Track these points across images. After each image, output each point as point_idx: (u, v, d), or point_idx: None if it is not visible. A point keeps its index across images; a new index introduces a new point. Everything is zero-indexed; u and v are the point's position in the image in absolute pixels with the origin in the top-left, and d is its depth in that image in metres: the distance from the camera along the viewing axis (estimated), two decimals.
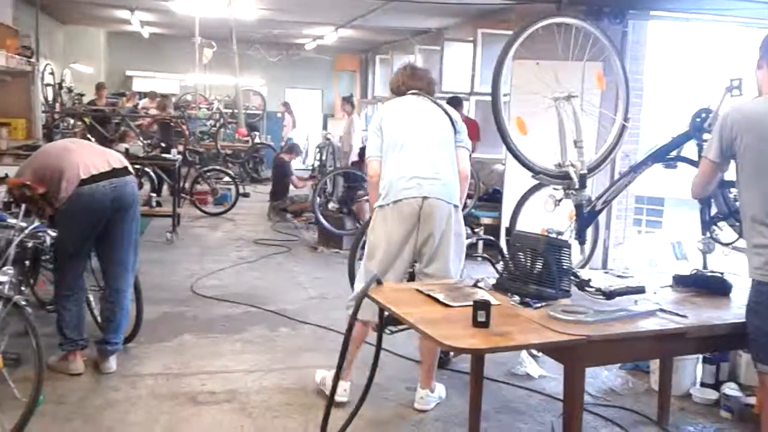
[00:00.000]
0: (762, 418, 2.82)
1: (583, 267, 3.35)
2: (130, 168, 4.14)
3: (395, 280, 3.60)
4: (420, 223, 3.58)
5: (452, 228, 3.64)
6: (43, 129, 9.85)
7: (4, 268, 3.26)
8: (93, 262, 4.25)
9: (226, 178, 10.61)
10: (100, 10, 13.00)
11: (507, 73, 2.93)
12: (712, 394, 4.05)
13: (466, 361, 4.25)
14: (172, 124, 11.48)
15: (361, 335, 3.70)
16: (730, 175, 2.85)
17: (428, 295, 2.89)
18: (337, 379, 3.14)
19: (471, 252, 4.53)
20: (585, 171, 3.00)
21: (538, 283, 2.87)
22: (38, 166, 3.91)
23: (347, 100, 11.86)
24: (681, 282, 3.25)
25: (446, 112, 3.80)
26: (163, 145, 9.93)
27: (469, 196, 8.64)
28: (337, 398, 3.53)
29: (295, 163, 10.79)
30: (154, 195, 8.54)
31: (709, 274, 3.18)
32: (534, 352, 4.34)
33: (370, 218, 3.83)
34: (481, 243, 5.76)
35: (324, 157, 12.45)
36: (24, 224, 3.42)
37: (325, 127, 17.34)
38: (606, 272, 3.47)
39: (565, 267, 2.92)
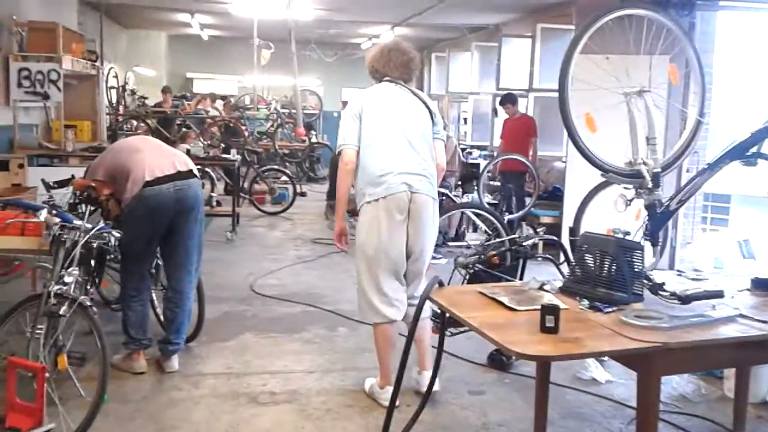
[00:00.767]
0: None
1: (652, 269, 3.20)
2: (195, 171, 4.17)
3: (399, 277, 3.68)
4: (409, 218, 3.63)
5: (434, 222, 3.75)
6: (108, 131, 10.14)
7: (70, 269, 3.32)
8: (158, 262, 4.31)
9: (284, 178, 10.69)
10: (161, 13, 13.30)
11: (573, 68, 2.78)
12: None
13: (528, 364, 4.14)
14: (231, 125, 11.65)
15: (393, 336, 3.72)
16: None
17: (492, 298, 2.80)
18: (398, 384, 3.07)
19: (532, 252, 4.39)
20: (658, 169, 2.86)
21: (608, 287, 2.74)
22: (110, 165, 3.99)
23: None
24: (760, 285, 3.07)
25: (424, 103, 3.79)
26: (222, 145, 10.08)
27: (528, 195, 8.52)
28: (384, 402, 3.60)
29: None
30: (214, 195, 8.66)
31: None
32: None
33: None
34: (541, 242, 5.62)
35: None
36: (89, 226, 3.47)
37: None
38: (679, 274, 3.31)
39: (636, 270, 2.79)
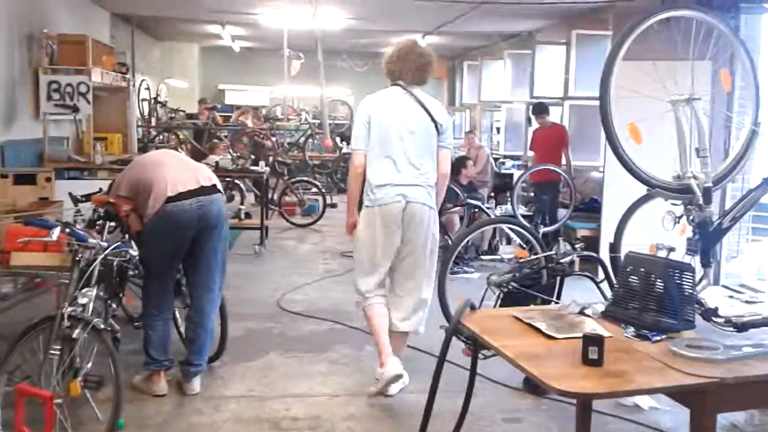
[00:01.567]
0: None
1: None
2: (219, 186, 4.03)
3: (378, 280, 3.97)
4: (403, 225, 3.85)
5: (430, 229, 3.93)
6: (138, 143, 10.13)
7: (84, 290, 3.19)
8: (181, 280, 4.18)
9: (314, 189, 10.57)
10: (192, 25, 13.34)
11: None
12: None
13: None
14: (261, 137, 11.57)
15: (383, 314, 3.98)
16: None
17: (528, 324, 2.59)
18: (430, 406, 2.88)
19: (570, 269, 4.16)
20: (709, 183, 2.63)
21: (656, 312, 2.52)
22: (132, 179, 3.88)
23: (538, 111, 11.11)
24: None
25: (428, 113, 3.84)
26: (252, 157, 9.99)
27: (564, 206, 8.24)
28: (383, 381, 3.89)
29: None
30: (242, 207, 8.56)
31: None
32: None
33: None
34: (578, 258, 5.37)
35: None
36: (105, 244, 3.34)
37: None
38: (731, 297, 3.06)
39: (687, 294, 2.56)
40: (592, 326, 2.55)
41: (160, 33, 14.81)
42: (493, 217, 7.50)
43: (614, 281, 4.28)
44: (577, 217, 7.92)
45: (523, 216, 7.77)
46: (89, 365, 3.25)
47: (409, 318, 4.02)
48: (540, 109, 8.59)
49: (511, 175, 10.53)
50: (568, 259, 4.05)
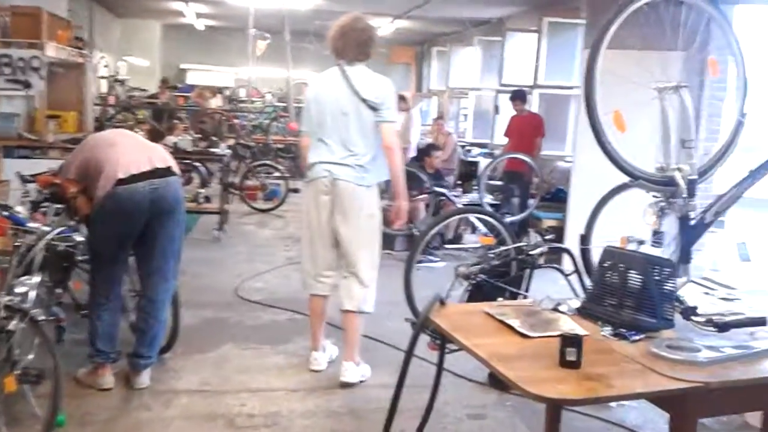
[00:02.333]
0: None
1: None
2: (175, 168, 3.78)
3: (319, 261, 3.97)
4: (335, 205, 3.86)
5: (364, 210, 3.87)
6: (95, 122, 9.74)
7: (23, 278, 2.95)
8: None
9: (276, 174, 10.31)
10: (155, 2, 12.91)
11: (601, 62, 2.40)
12: None
13: None
14: (224, 118, 11.26)
15: (320, 308, 4.04)
16: None
17: (501, 321, 2.44)
18: (395, 403, 2.72)
19: (539, 262, 4.03)
20: (695, 176, 2.50)
21: (635, 310, 2.38)
22: (83, 160, 3.62)
23: (400, 98, 11.05)
24: None
25: (357, 93, 3.80)
26: (213, 138, 9.68)
27: (531, 196, 8.15)
28: (312, 366, 4.02)
29: None
30: (202, 191, 8.27)
31: None
32: None
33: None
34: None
35: None
36: (47, 228, 3.10)
37: None
38: (707, 293, 2.94)
39: (667, 291, 2.43)
40: (567, 324, 2.42)
41: (120, 8, 14.31)
42: (460, 206, 7.36)
43: (584, 273, 4.19)
44: (543, 207, 7.84)
45: (490, 205, 7.65)
46: (30, 357, 3.01)
47: (351, 297, 3.98)
48: (517, 94, 8.44)
49: (477, 163, 10.42)
50: (538, 250, 3.92)
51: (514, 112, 8.54)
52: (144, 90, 14.02)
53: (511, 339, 2.30)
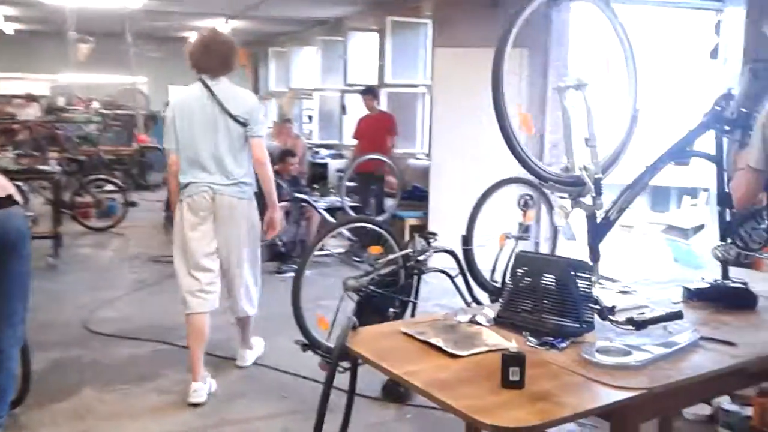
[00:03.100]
0: None
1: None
2: (16, 195, 3.19)
3: (198, 278, 3.86)
4: (216, 220, 3.85)
5: (244, 220, 3.91)
6: None
7: None
8: None
9: (110, 187, 9.49)
10: None
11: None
12: (705, 410, 3.67)
13: None
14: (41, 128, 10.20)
15: (200, 327, 3.87)
16: None
17: (422, 341, 2.25)
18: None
19: (427, 267, 3.90)
20: (600, 174, 2.46)
21: (557, 316, 2.30)
22: None
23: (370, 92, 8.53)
24: (697, 296, 2.79)
25: (224, 109, 3.78)
26: (35, 154, 8.71)
27: (391, 196, 8.08)
28: (192, 399, 3.72)
29: None
30: (30, 214, 7.38)
31: (733, 284, 2.74)
32: None
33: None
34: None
35: None
36: None
37: None
38: (602, 287, 2.94)
39: (585, 293, 2.37)
40: (492, 338, 2.28)
41: None
42: (321, 210, 7.15)
43: (468, 275, 4.13)
44: (403, 206, 7.80)
45: (351, 207, 7.50)
46: None
47: (237, 303, 4.10)
48: (371, 91, 8.27)
49: (326, 165, 10.25)
50: (425, 256, 3.79)
51: (363, 113, 8.39)
52: None
53: (440, 362, 2.11)
